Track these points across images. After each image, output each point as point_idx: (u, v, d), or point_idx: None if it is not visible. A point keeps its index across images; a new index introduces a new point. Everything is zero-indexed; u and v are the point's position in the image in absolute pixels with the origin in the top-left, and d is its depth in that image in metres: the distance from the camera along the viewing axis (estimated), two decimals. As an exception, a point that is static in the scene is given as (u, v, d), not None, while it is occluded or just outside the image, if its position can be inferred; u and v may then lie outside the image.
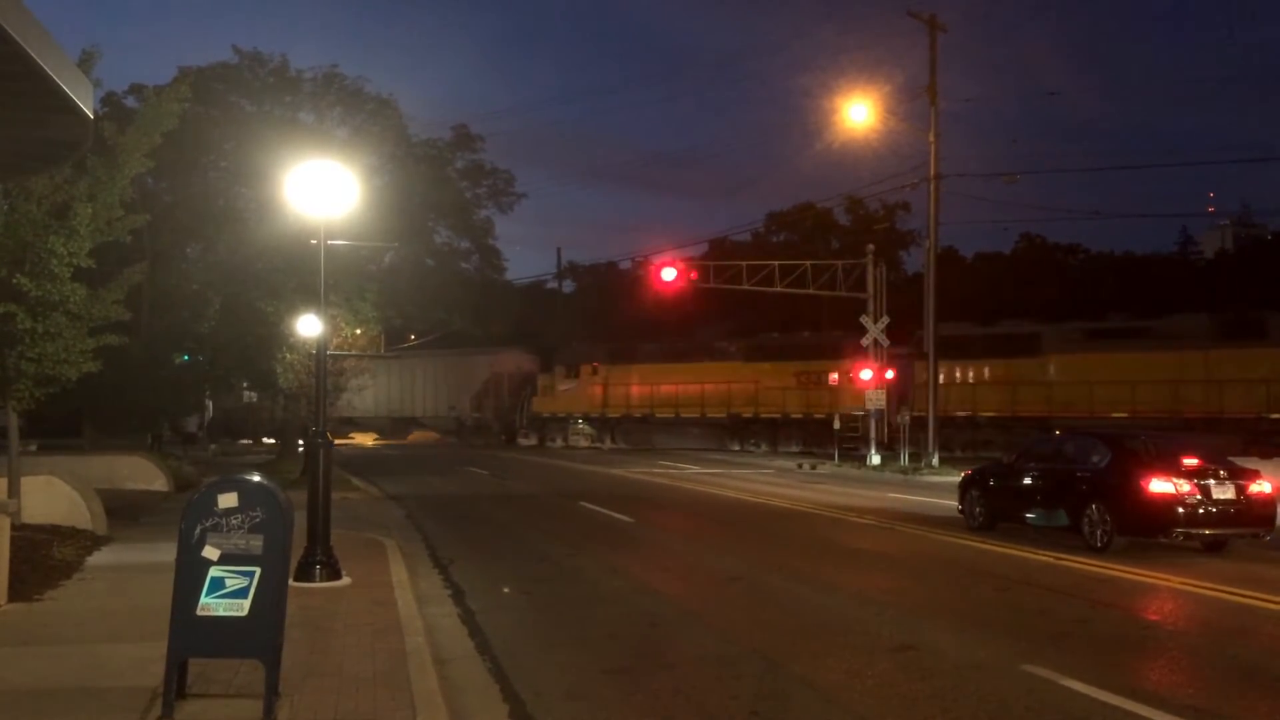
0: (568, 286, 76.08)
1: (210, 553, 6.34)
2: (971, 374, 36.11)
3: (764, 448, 40.19)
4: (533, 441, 49.42)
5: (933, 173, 33.02)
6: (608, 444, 46.04)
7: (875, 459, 33.59)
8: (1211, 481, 14.13)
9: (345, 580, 11.13)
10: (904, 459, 32.83)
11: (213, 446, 40.80)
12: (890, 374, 34.18)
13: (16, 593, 9.87)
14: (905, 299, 40.57)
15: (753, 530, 17.39)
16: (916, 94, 33.86)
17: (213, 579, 6.32)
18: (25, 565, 10.81)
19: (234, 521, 6.38)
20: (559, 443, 48.02)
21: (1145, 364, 32.27)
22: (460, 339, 61.25)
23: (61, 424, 28.82)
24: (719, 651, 8.74)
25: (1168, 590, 11.72)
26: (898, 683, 7.74)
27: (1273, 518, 14.46)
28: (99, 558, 12.55)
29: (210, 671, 6.98)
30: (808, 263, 37.37)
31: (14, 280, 12.44)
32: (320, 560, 11.05)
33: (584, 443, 47.02)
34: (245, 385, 41.20)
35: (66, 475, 14.93)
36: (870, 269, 35.59)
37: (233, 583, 6.32)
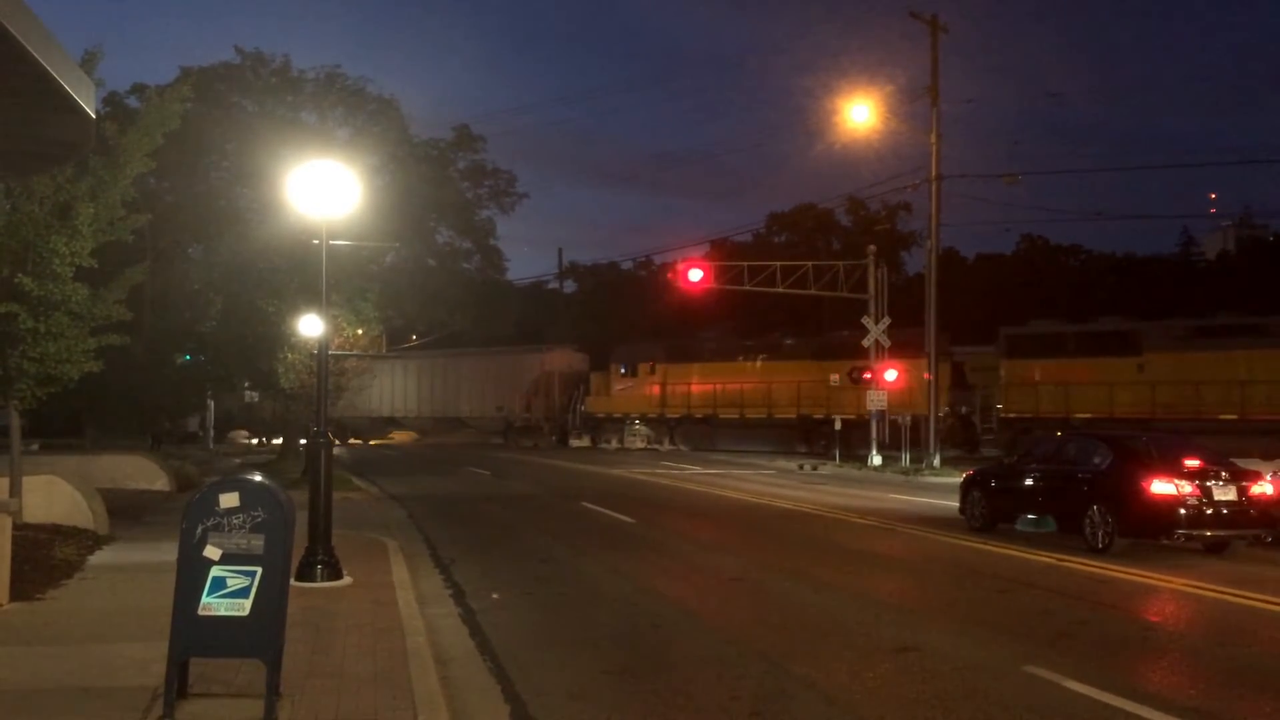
0: (569, 287, 76.21)
1: (212, 552, 6.34)
2: (1064, 374, 33.91)
3: (836, 451, 36.76)
4: (585, 443, 47.54)
5: (934, 174, 33.01)
6: (666, 446, 44.03)
7: (876, 460, 33.56)
8: (1213, 483, 14.12)
9: (346, 580, 11.14)
10: (905, 460, 32.81)
11: (214, 446, 40.81)
12: (893, 374, 34.02)
13: (18, 592, 9.87)
14: (907, 300, 40.56)
15: (754, 531, 17.38)
16: (918, 95, 33.90)
17: (214, 579, 6.32)
18: (27, 565, 10.82)
19: (235, 521, 6.38)
20: (614, 444, 45.98)
21: (1257, 363, 30.29)
22: (506, 337, 60.85)
23: (63, 424, 28.91)
24: (720, 652, 8.73)
25: (1169, 592, 11.71)
26: (899, 684, 7.74)
27: (1274, 519, 14.45)
28: (100, 557, 12.56)
29: (211, 671, 6.98)
30: (809, 263, 37.38)
31: (16, 280, 12.44)
32: (322, 560, 11.06)
33: (640, 444, 45.03)
34: (247, 385, 41.19)
35: (68, 475, 14.94)
36: (871, 270, 35.58)
37: (234, 582, 6.32)
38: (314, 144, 28.84)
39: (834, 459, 35.30)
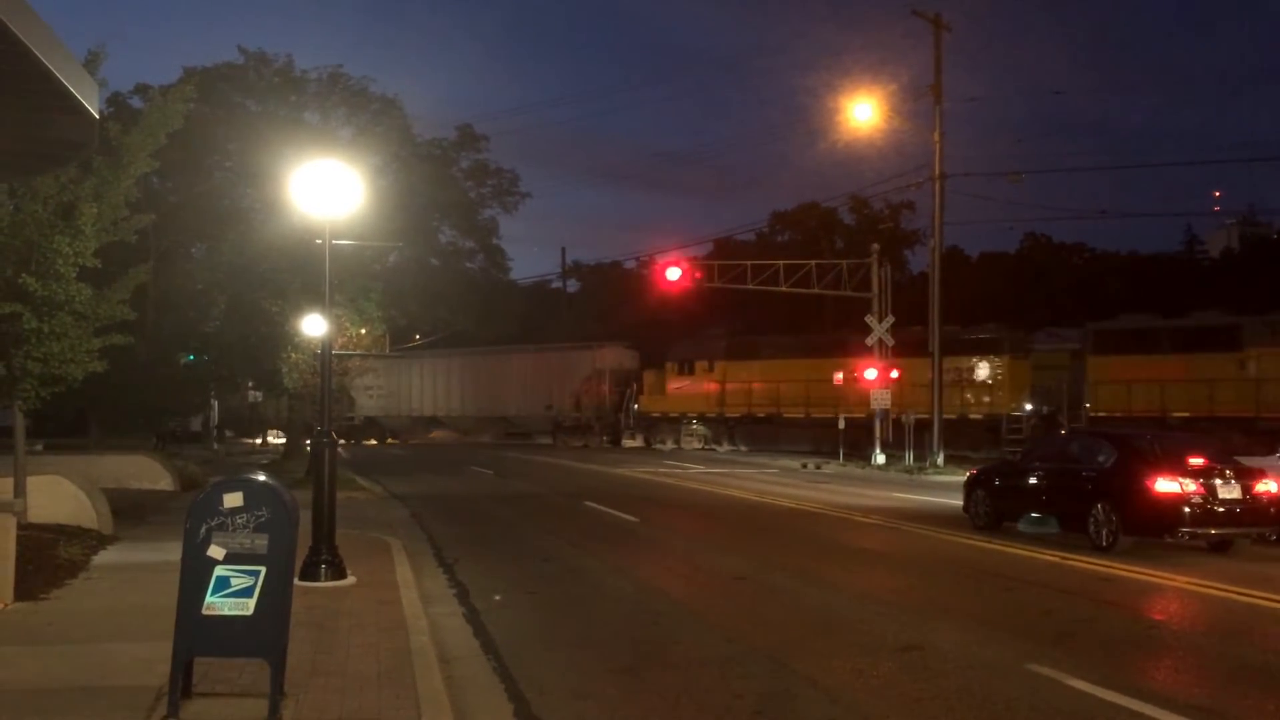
0: (572, 286, 76.26)
1: (216, 552, 6.35)
2: (1158, 371, 32.21)
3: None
4: (638, 443, 45.81)
5: (937, 172, 32.99)
6: (725, 446, 42.26)
7: (880, 459, 33.54)
8: (1217, 481, 14.10)
9: (350, 579, 11.14)
10: (909, 458, 32.78)
11: (217, 445, 40.85)
12: (895, 374, 34.00)
13: (23, 592, 9.89)
14: (910, 299, 40.49)
15: (757, 530, 17.38)
16: (921, 93, 33.86)
17: (218, 578, 6.32)
18: (31, 564, 10.83)
19: (239, 521, 6.39)
20: (668, 444, 44.08)
21: None
22: (555, 334, 60.02)
23: (67, 423, 28.98)
24: (723, 651, 8.73)
25: (1173, 590, 11.70)
26: (903, 682, 7.74)
27: (1278, 517, 14.43)
28: (105, 557, 12.58)
29: (215, 671, 6.99)
30: (812, 262, 37.38)
31: (20, 280, 12.46)
32: (325, 559, 11.06)
33: (697, 444, 43.13)
34: (250, 385, 41.28)
35: (72, 475, 14.95)
36: (875, 268, 35.56)
37: (238, 582, 6.33)
38: (317, 144, 28.87)
39: (839, 458, 35.28)
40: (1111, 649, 8.83)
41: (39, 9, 6.21)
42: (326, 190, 11.38)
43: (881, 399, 33.77)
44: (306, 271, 23.11)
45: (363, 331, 28.57)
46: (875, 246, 36.72)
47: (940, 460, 31.51)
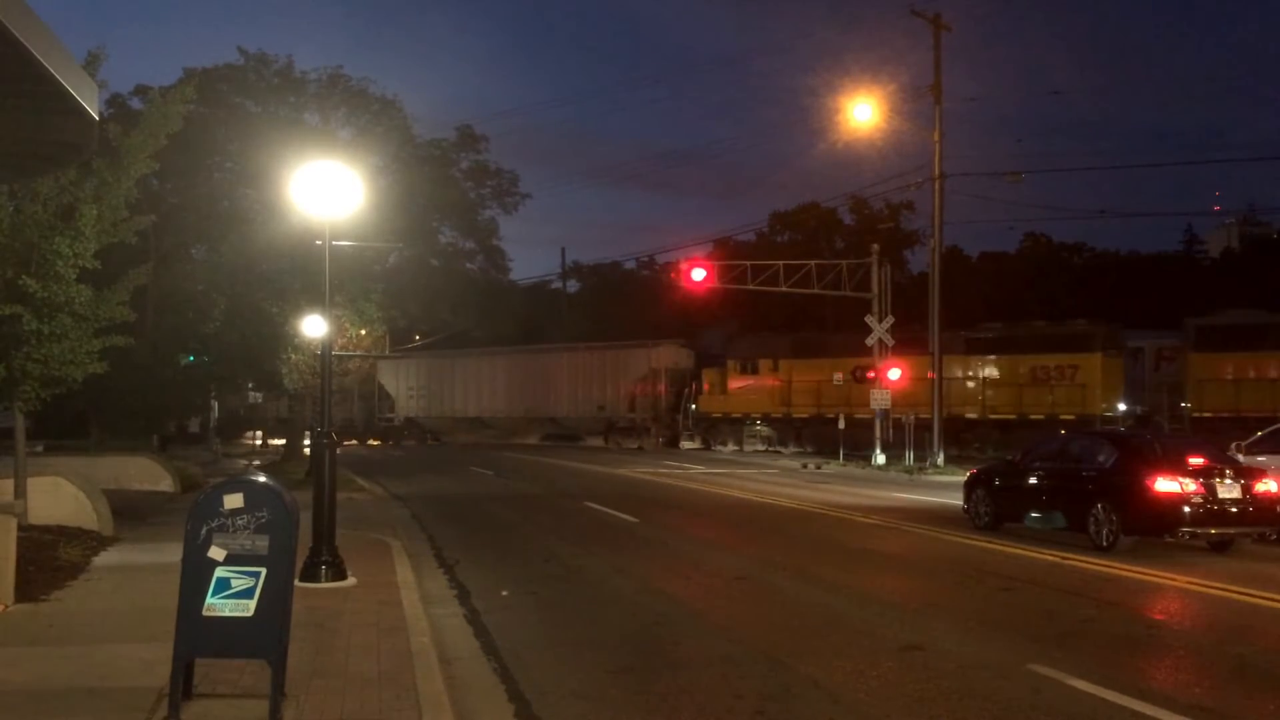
0: (572, 286, 76.25)
1: (216, 553, 6.35)
2: (1267, 369, 30.91)
3: (990, 452, 32.74)
4: (696, 445, 43.88)
5: (937, 172, 33.00)
6: (790, 448, 40.21)
7: (880, 459, 33.54)
8: (1217, 481, 14.11)
9: (351, 580, 11.14)
10: (909, 458, 32.77)
11: (217, 446, 40.79)
12: (896, 373, 33.92)
13: (23, 593, 9.89)
14: (910, 299, 40.47)
15: (758, 530, 17.38)
16: (920, 93, 33.89)
17: (219, 579, 6.32)
18: (32, 566, 10.83)
19: (240, 522, 6.39)
20: (729, 446, 42.20)
21: None
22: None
23: (67, 425, 28.96)
24: (724, 651, 8.73)
25: (1174, 589, 11.70)
26: (903, 682, 7.73)
27: (1279, 516, 14.43)
28: (105, 558, 12.57)
29: (216, 672, 6.99)
30: (812, 263, 37.40)
31: (20, 281, 12.46)
32: (326, 560, 11.07)
33: (761, 446, 41.12)
34: (251, 386, 41.22)
35: (73, 476, 14.95)
36: (875, 269, 35.57)
37: (238, 583, 6.33)
38: (317, 144, 28.88)
39: (839, 458, 35.27)
40: (1112, 649, 8.82)
41: (38, 10, 6.21)
42: (326, 191, 11.38)
43: (881, 399, 33.76)
44: (307, 272, 23.15)
45: (363, 332, 28.60)
46: (875, 247, 36.72)
47: (940, 460, 31.50)
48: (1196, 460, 14.51)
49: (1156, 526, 14.12)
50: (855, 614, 10.37)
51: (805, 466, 33.98)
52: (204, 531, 6.37)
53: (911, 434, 33.05)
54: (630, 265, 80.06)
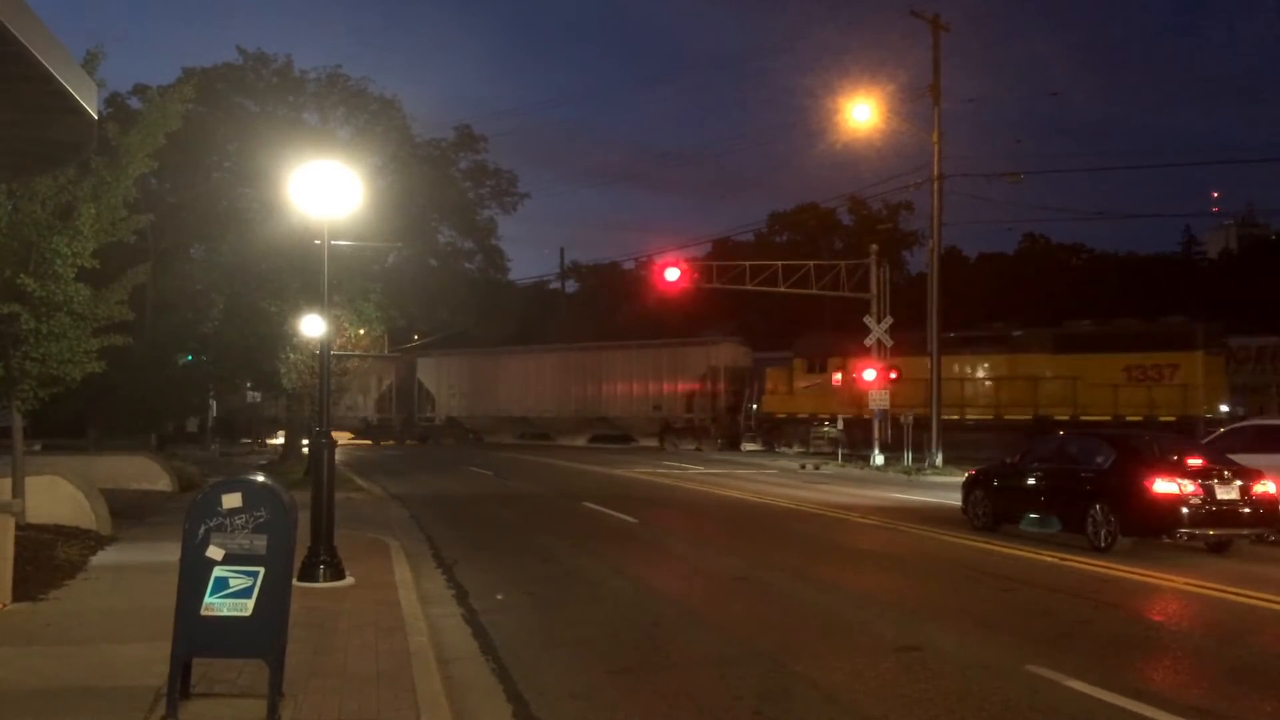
0: (570, 286, 76.28)
1: (214, 553, 6.34)
2: None
3: (840, 451, 32.94)
4: (758, 447, 41.98)
5: (935, 173, 33.00)
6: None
7: (879, 459, 33.55)
8: (1215, 482, 14.11)
9: (349, 580, 11.14)
10: (908, 459, 32.77)
11: (214, 446, 40.79)
12: (894, 374, 33.95)
13: (21, 592, 9.88)
14: (909, 299, 40.43)
15: (756, 530, 17.38)
16: (919, 94, 33.89)
17: (217, 579, 6.32)
18: (30, 565, 10.82)
19: (238, 521, 6.39)
20: (795, 448, 40.27)
21: None
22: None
23: (66, 424, 28.92)
24: (722, 651, 8.73)
25: (1171, 591, 11.71)
26: (901, 683, 7.74)
27: (1277, 517, 14.44)
28: (103, 558, 12.56)
29: (214, 672, 6.99)
30: (811, 263, 37.40)
31: (18, 281, 12.45)
32: (324, 560, 11.06)
33: (828, 449, 38.62)
34: (249, 385, 41.24)
35: (71, 475, 14.94)
36: (874, 269, 35.58)
37: (237, 583, 6.32)
38: (315, 144, 28.90)
39: (837, 458, 35.26)
40: (1110, 650, 8.83)
41: (37, 9, 6.21)
42: (325, 191, 11.38)
43: (879, 399, 33.75)
44: (305, 272, 23.12)
45: (361, 332, 28.55)
46: (874, 247, 36.74)
47: (939, 461, 31.51)
48: (1194, 461, 14.52)
49: (1155, 527, 14.13)
50: (853, 614, 10.37)
51: (803, 467, 33.99)
52: (202, 531, 6.37)
53: (909, 434, 32.99)
54: (629, 265, 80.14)
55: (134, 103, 34.58)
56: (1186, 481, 14.00)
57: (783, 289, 37.29)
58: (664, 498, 23.18)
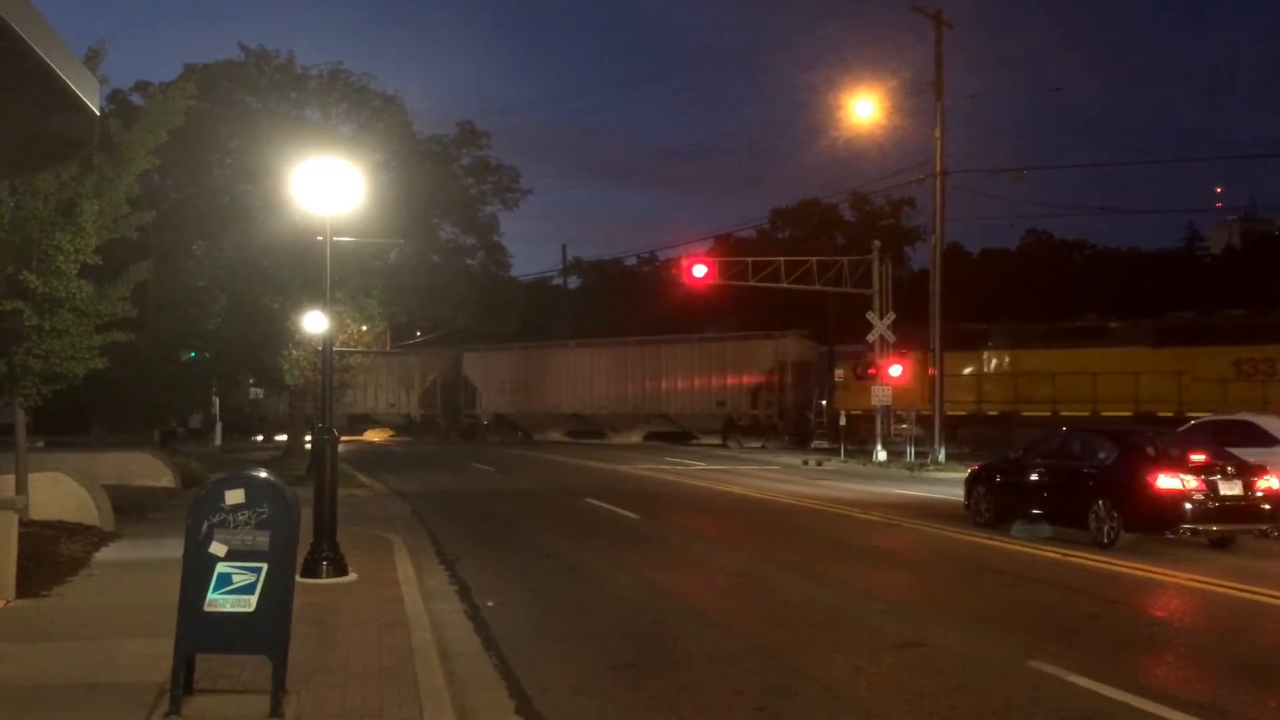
0: (572, 283, 76.22)
1: (217, 549, 6.35)
2: None
3: (841, 446, 31.59)
4: (828, 444, 39.67)
5: (938, 169, 32.95)
6: (942, 449, 34.55)
7: (881, 455, 33.53)
8: (1219, 477, 14.09)
9: (352, 576, 11.15)
10: (910, 455, 32.75)
11: (217, 443, 40.81)
12: (898, 370, 33.84)
13: (24, 589, 9.90)
14: (911, 295, 40.35)
15: (758, 526, 17.38)
16: (922, 90, 33.81)
17: (220, 575, 6.33)
18: (33, 561, 10.83)
19: (241, 518, 6.39)
20: (879, 446, 36.52)
21: None
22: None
23: (68, 421, 28.92)
24: (725, 647, 8.74)
25: (1175, 586, 11.70)
26: (904, 678, 7.74)
27: (1280, 514, 14.41)
28: (106, 554, 12.58)
29: (217, 667, 6.99)
30: (813, 259, 37.33)
31: (20, 277, 12.47)
32: (327, 556, 11.07)
33: (905, 446, 35.86)
34: (251, 382, 41.21)
35: (73, 472, 14.95)
36: (876, 265, 35.54)
37: (240, 579, 6.33)
38: (318, 140, 28.89)
39: (839, 454, 35.24)
40: (1113, 645, 8.82)
41: (39, 5, 6.20)
42: (327, 187, 11.39)
43: (882, 395, 33.70)
44: (307, 268, 23.13)
45: (364, 328, 28.59)
46: (876, 243, 36.68)
47: (941, 457, 31.49)
48: (1198, 457, 14.50)
49: (1158, 523, 14.11)
50: (856, 610, 10.37)
51: (806, 463, 33.98)
52: (205, 527, 6.38)
53: (912, 430, 32.96)
54: (631, 262, 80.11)
55: (136, 99, 34.59)
56: (1189, 477, 13.98)
57: (785, 285, 37.24)
58: (666, 494, 23.18)
